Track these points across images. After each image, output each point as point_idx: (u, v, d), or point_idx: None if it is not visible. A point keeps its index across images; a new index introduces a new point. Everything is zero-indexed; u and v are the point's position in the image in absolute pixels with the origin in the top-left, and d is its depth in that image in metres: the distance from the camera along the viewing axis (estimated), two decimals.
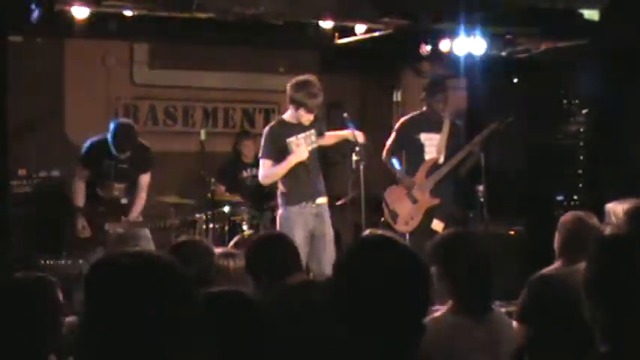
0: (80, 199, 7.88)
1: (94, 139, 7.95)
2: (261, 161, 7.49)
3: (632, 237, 2.72)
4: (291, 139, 7.39)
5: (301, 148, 7.36)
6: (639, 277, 2.56)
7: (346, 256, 2.55)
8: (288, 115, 7.46)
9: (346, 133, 7.60)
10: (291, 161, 7.33)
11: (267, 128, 7.60)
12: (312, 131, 7.47)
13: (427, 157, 8.24)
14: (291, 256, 4.48)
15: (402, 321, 2.39)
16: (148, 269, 2.17)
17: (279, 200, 7.56)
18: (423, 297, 2.47)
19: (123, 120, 8.38)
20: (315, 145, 7.50)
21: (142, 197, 8.00)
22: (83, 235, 7.80)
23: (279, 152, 7.39)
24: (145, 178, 8.00)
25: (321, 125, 7.62)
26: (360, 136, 7.50)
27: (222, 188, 9.21)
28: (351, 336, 2.38)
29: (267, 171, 7.45)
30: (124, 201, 7.94)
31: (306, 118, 7.35)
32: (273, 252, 4.45)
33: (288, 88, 7.35)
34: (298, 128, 7.41)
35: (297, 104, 7.29)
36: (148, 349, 2.12)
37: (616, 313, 2.55)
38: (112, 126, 7.83)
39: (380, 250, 2.48)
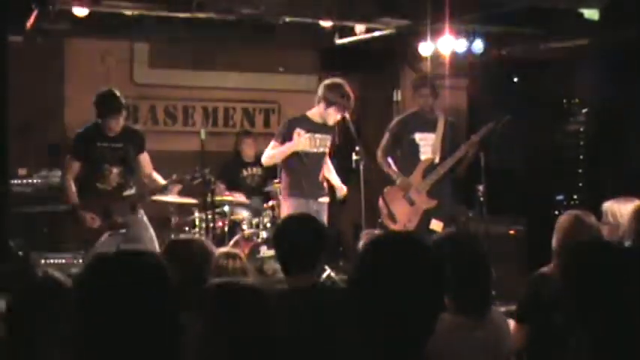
0: (74, 197, 7.64)
1: (84, 127, 7.76)
2: (272, 142, 7.74)
3: (601, 246, 2.64)
4: (306, 134, 7.61)
5: (302, 139, 7.48)
6: (614, 286, 2.50)
7: (362, 255, 2.52)
8: (313, 113, 7.68)
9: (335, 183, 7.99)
10: (289, 147, 7.57)
11: (288, 120, 7.88)
12: (329, 137, 7.71)
13: (422, 157, 8.17)
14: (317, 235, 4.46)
15: (414, 321, 2.38)
16: (134, 274, 2.21)
17: (282, 193, 7.79)
18: (438, 296, 2.46)
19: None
20: (324, 150, 7.72)
21: (154, 177, 7.85)
22: (93, 225, 7.55)
23: (289, 140, 7.61)
24: (144, 158, 7.85)
25: (334, 138, 7.80)
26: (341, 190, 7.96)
27: (222, 187, 9.22)
28: (359, 336, 2.38)
29: (269, 151, 7.74)
30: (126, 193, 7.78)
31: (333, 117, 7.61)
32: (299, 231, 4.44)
33: (321, 87, 7.67)
34: (318, 127, 7.63)
35: (329, 103, 7.55)
36: (133, 351, 2.15)
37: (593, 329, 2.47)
38: (99, 98, 7.61)
39: (397, 248, 2.46)
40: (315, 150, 7.65)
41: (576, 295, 2.49)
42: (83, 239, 7.71)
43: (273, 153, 7.70)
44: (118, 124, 7.61)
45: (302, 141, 7.53)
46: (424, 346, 2.43)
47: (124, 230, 7.61)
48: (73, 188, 7.65)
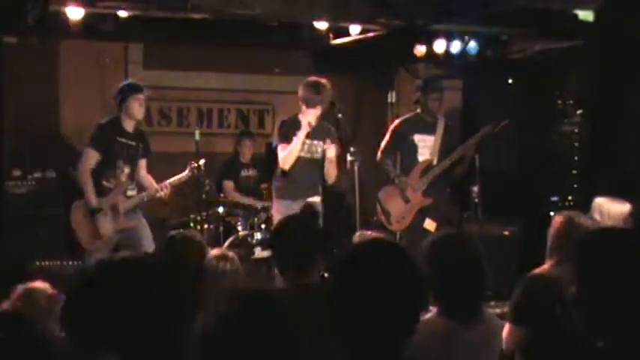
0: (94, 199, 7.44)
1: (104, 119, 7.72)
2: (279, 147, 7.66)
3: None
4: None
5: (304, 121, 7.50)
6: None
7: (341, 258, 2.54)
8: (302, 115, 7.63)
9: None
10: (300, 137, 7.51)
11: (280, 121, 7.89)
12: (320, 142, 7.64)
13: (420, 157, 8.25)
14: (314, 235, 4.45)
15: (392, 322, 2.39)
16: (139, 277, 2.21)
17: (273, 194, 7.81)
18: (416, 300, 2.47)
19: None
20: (317, 156, 7.66)
21: (149, 180, 7.85)
22: (107, 233, 7.47)
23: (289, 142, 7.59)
24: (144, 163, 7.87)
25: (330, 134, 7.71)
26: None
27: (230, 185, 9.42)
28: (341, 336, 2.39)
29: (284, 153, 7.60)
30: (130, 193, 7.73)
31: (310, 114, 7.48)
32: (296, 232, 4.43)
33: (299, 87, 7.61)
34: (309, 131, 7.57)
35: (302, 101, 7.53)
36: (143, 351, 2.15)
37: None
38: (119, 88, 7.70)
39: (375, 252, 2.48)
40: (302, 154, 7.63)
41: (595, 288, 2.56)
42: (84, 242, 7.62)
43: (289, 150, 7.55)
44: (141, 106, 7.64)
45: (305, 121, 7.52)
46: (404, 346, 2.44)
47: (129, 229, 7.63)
48: (92, 187, 7.48)
